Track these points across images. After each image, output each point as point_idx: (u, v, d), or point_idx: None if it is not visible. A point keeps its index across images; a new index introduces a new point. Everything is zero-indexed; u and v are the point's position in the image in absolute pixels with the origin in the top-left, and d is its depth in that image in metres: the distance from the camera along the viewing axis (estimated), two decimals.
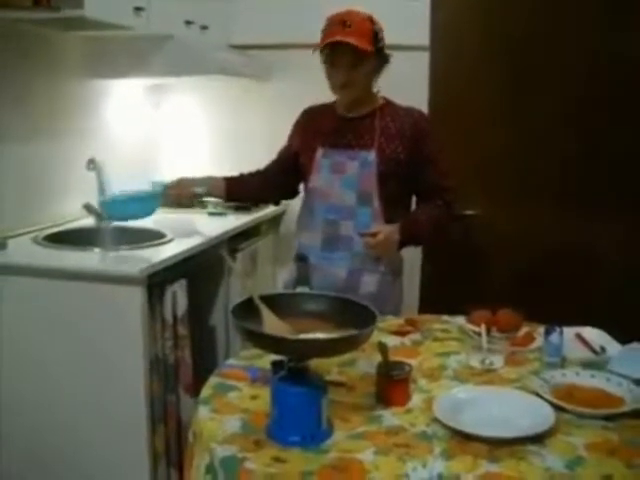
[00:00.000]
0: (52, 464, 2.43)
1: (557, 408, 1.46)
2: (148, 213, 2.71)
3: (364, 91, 2.28)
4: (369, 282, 2.27)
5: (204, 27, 3.14)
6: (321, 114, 2.40)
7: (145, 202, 2.69)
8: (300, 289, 1.73)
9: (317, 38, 2.22)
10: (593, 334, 1.91)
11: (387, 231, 2.19)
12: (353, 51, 2.14)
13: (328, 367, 1.66)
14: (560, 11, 3.11)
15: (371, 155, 2.25)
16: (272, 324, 1.46)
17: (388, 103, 2.34)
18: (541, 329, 1.83)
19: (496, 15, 3.15)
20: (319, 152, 2.31)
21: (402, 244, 2.25)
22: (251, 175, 2.57)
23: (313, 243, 2.31)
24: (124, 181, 3.04)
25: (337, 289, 1.98)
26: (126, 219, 2.66)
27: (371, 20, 2.21)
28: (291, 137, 2.49)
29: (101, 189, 2.93)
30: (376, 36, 2.21)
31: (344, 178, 2.27)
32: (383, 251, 2.22)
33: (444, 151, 2.34)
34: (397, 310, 2.33)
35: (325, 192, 2.30)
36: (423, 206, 2.36)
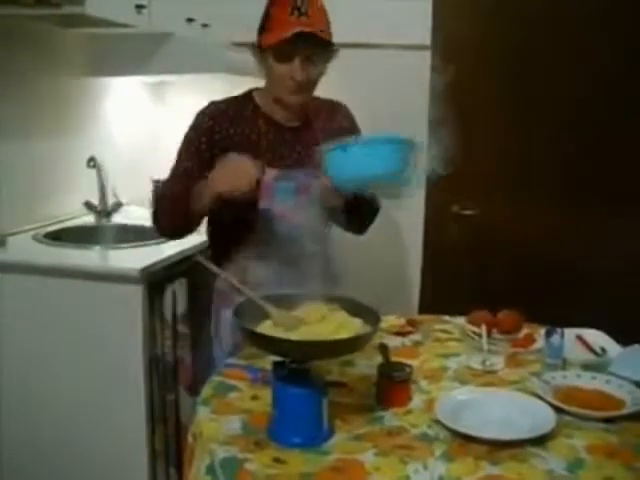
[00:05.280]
0: (51, 462, 2.43)
1: (558, 410, 1.45)
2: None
3: (313, 93, 1.88)
4: None
5: (205, 25, 3.13)
6: (244, 121, 1.88)
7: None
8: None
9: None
10: (594, 336, 1.91)
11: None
12: (314, 43, 1.73)
13: (328, 368, 1.65)
14: (561, 11, 3.11)
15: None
16: (280, 317, 1.47)
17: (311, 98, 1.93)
18: (542, 330, 1.82)
19: (498, 14, 3.15)
20: (268, 173, 1.83)
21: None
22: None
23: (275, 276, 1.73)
24: (124, 179, 3.04)
25: None
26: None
27: None
28: (195, 153, 1.92)
29: (101, 187, 2.94)
30: (328, 20, 1.80)
31: (309, 197, 1.81)
32: None
33: None
34: None
35: (284, 214, 1.85)
36: None
